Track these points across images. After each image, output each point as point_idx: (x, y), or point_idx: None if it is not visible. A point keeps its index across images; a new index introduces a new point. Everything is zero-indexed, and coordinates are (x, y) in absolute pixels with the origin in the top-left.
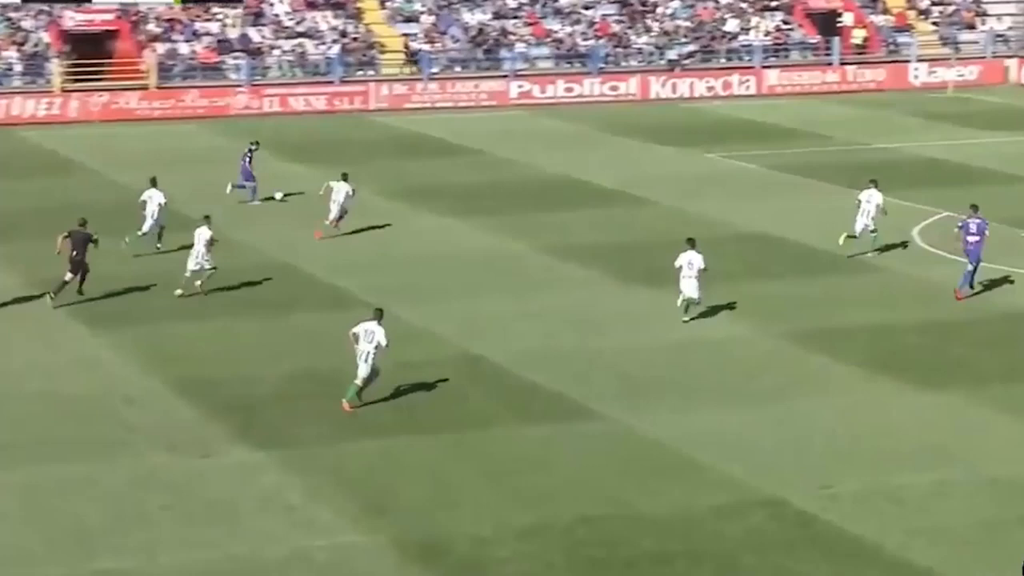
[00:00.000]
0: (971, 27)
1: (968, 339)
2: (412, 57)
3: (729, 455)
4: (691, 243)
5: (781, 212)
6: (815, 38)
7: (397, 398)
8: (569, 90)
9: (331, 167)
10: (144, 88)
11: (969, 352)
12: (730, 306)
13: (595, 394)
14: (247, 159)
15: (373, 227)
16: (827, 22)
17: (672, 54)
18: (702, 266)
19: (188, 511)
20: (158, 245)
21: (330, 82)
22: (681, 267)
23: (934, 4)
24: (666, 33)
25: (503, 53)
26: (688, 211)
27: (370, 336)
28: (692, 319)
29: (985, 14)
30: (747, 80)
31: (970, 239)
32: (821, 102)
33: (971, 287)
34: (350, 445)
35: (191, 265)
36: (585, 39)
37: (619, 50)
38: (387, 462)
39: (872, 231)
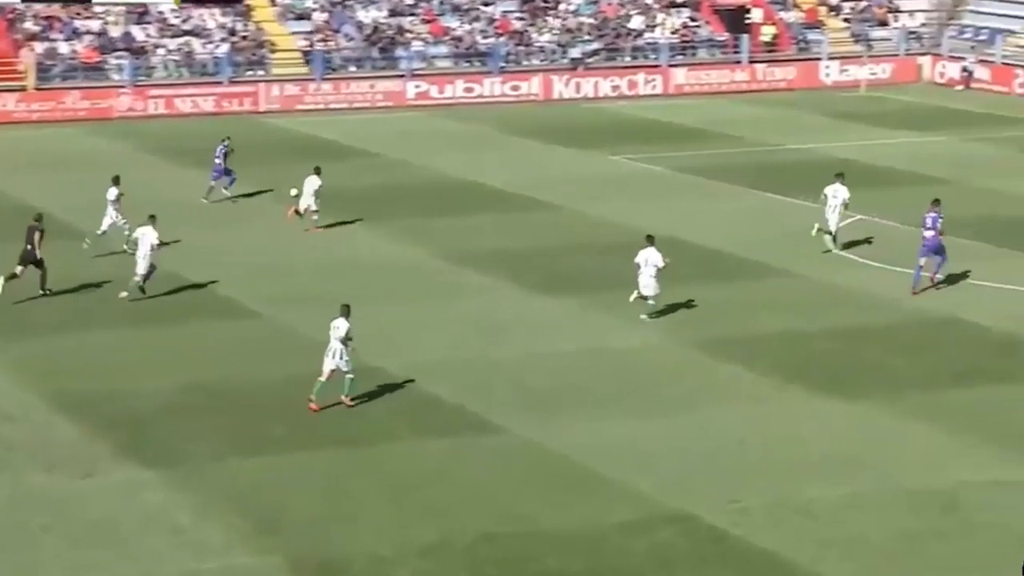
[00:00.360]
0: (883, 24)
1: (881, 345)
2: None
3: (636, 468)
4: (650, 240)
5: (687, 215)
6: (723, 35)
7: (292, 411)
8: (469, 90)
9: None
10: (22, 89)
11: (883, 358)
12: (636, 312)
13: (498, 406)
14: (222, 155)
15: (264, 234)
16: (735, 19)
17: (575, 52)
18: (659, 264)
19: (70, 532)
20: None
21: (218, 82)
22: (639, 264)
23: (845, 0)
24: (569, 31)
25: (399, 52)
26: (590, 215)
27: (337, 332)
28: (649, 316)
29: (898, 11)
30: (653, 79)
31: (927, 234)
32: (730, 102)
33: (929, 278)
34: (242, 461)
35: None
36: (485, 37)
37: (520, 48)
38: (281, 478)
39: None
